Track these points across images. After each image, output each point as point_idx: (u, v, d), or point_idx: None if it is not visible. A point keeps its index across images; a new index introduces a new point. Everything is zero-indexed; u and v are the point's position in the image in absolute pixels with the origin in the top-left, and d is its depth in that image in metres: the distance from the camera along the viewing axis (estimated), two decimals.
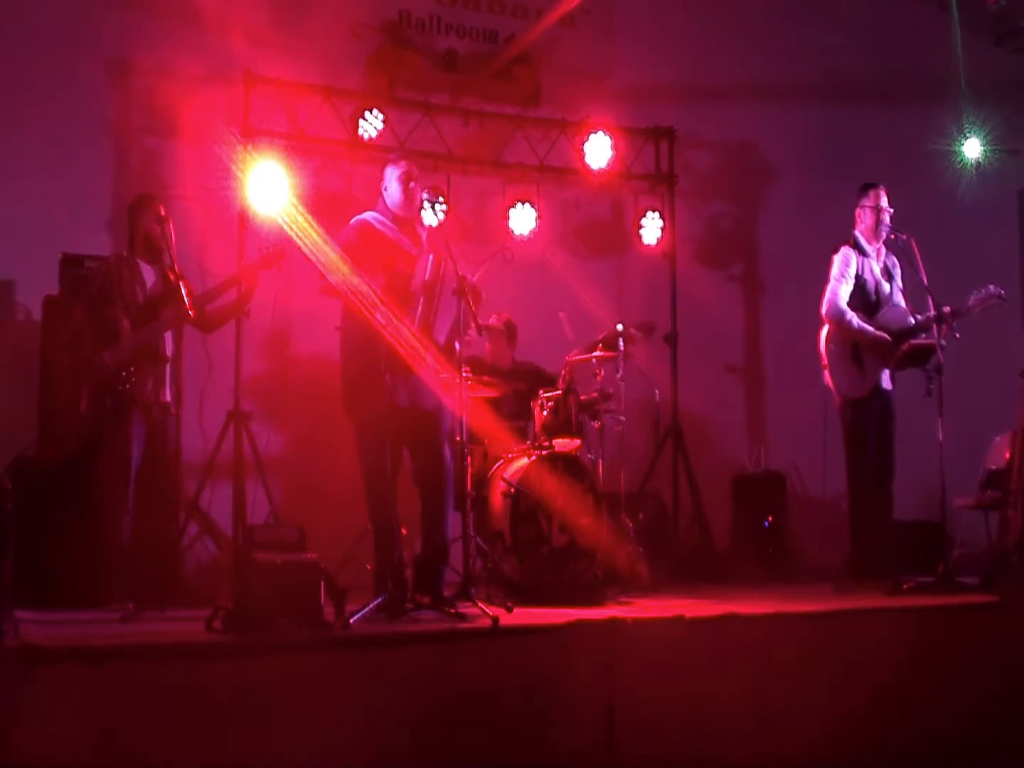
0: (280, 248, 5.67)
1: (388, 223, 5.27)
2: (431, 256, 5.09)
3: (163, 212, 5.56)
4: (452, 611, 4.73)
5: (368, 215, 5.31)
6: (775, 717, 4.54)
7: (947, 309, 5.99)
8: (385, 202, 5.33)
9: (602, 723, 4.26)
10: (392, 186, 5.29)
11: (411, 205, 5.22)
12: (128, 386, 5.39)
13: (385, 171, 5.37)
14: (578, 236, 8.20)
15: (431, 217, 5.20)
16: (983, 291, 6.10)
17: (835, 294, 6.26)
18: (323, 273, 5.17)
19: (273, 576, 4.31)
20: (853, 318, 6.22)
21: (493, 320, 6.83)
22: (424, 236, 5.22)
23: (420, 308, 5.02)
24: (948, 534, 6.49)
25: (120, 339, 5.40)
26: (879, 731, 4.72)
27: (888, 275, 6.40)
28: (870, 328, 6.20)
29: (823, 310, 6.28)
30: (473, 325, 5.08)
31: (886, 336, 6.17)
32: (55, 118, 6.67)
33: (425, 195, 5.17)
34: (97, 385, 5.40)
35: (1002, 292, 6.13)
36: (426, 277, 5.06)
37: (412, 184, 5.24)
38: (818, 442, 6.60)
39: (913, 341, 6.15)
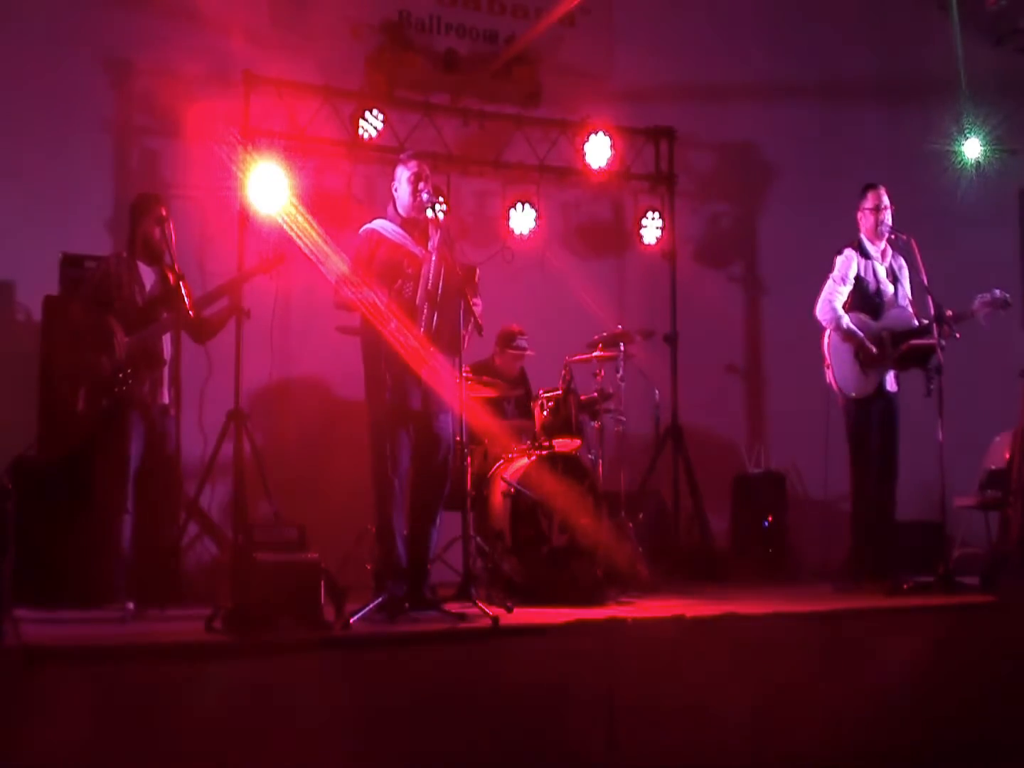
0: (280, 252, 5.67)
1: (396, 228, 5.18)
2: (433, 258, 5.06)
3: (164, 212, 5.54)
4: (452, 611, 4.73)
5: (376, 223, 5.23)
6: (775, 717, 4.54)
7: (950, 313, 5.99)
8: (395, 204, 5.24)
9: (602, 723, 4.26)
10: (402, 187, 5.20)
11: (420, 207, 5.12)
12: (125, 387, 5.38)
13: (395, 171, 5.27)
14: (578, 236, 8.20)
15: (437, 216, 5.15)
16: (988, 296, 6.08)
17: (830, 294, 6.27)
18: (336, 287, 5.14)
19: (273, 576, 4.31)
20: (843, 319, 6.21)
21: (523, 342, 6.83)
22: (434, 240, 5.10)
23: (425, 311, 5.01)
24: (948, 534, 6.49)
25: (117, 340, 5.40)
26: (878, 731, 4.72)
27: (894, 277, 6.38)
28: (860, 333, 6.19)
29: (816, 308, 6.28)
30: (473, 323, 5.06)
31: (872, 348, 6.16)
32: (55, 118, 6.67)
33: (425, 195, 5.14)
34: (93, 386, 5.40)
35: (1007, 297, 6.10)
36: (429, 280, 5.04)
37: (421, 185, 5.14)
38: (819, 442, 6.60)
39: (913, 341, 6.14)
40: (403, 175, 5.21)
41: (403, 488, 5.05)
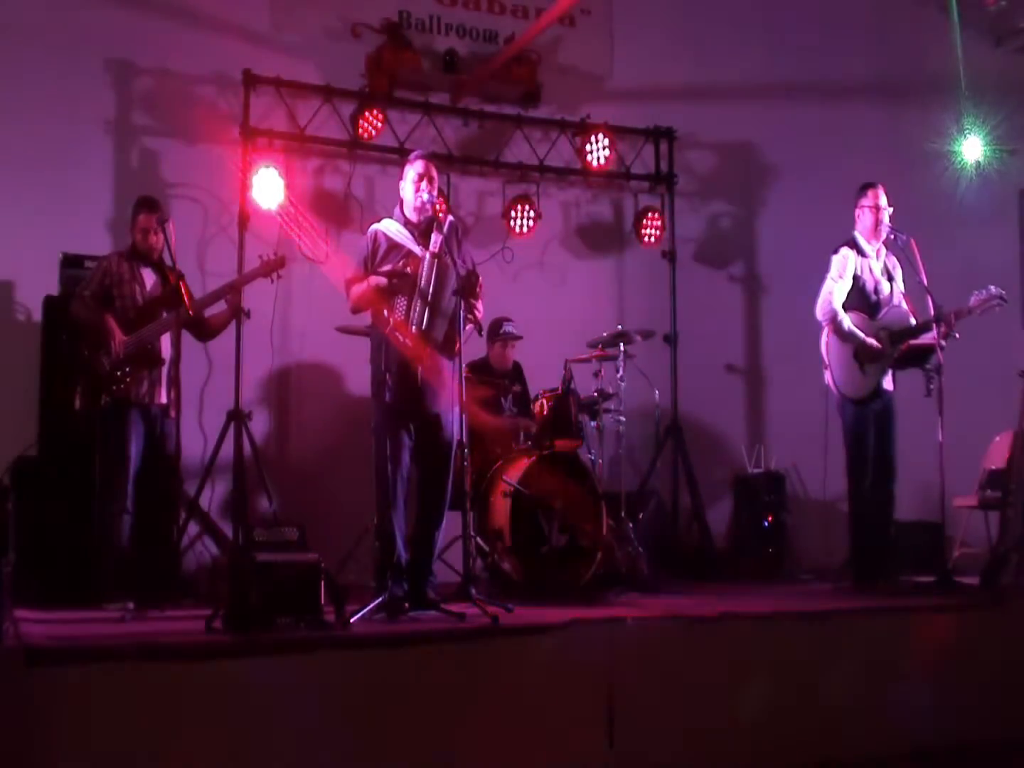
0: (281, 255, 5.68)
1: (400, 228, 5.17)
2: (428, 256, 5.05)
3: (153, 217, 5.54)
4: (452, 611, 4.74)
5: (382, 222, 5.24)
6: (774, 717, 4.54)
7: (947, 310, 5.99)
8: (402, 204, 5.23)
9: (602, 723, 4.26)
10: (407, 187, 5.20)
11: (420, 208, 5.14)
12: (123, 387, 5.39)
13: (404, 169, 5.27)
14: (578, 236, 8.20)
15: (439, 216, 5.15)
16: (984, 292, 6.08)
17: (830, 293, 6.25)
18: (346, 291, 5.15)
19: (273, 576, 4.32)
20: (844, 319, 6.20)
21: (511, 328, 6.83)
22: (438, 240, 5.07)
23: (417, 310, 5.00)
24: (948, 534, 6.49)
25: (115, 339, 5.40)
26: (878, 731, 4.72)
27: (889, 275, 6.38)
28: (860, 333, 6.18)
29: (817, 309, 6.28)
30: (472, 323, 5.06)
31: (875, 343, 6.14)
32: (55, 118, 6.67)
33: (425, 195, 5.14)
34: (91, 385, 5.40)
35: (1003, 293, 6.09)
36: (422, 279, 5.03)
37: (423, 185, 5.13)
38: (818, 442, 6.60)
39: (912, 341, 6.14)
40: (408, 174, 5.21)
41: (404, 488, 5.05)
